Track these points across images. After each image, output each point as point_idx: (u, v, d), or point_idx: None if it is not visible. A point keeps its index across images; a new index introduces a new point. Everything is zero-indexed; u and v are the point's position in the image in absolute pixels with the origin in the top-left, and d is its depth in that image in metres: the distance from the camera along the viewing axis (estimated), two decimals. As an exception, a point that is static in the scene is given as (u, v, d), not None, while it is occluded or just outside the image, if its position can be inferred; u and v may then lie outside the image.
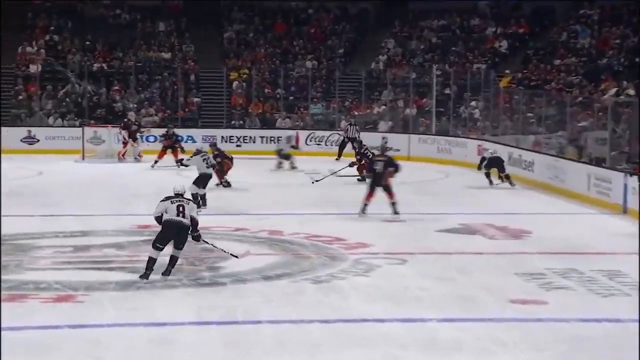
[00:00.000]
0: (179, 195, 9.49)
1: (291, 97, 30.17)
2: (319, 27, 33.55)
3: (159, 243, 9.10)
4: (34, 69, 28.29)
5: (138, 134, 23.48)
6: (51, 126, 26.39)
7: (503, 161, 17.94)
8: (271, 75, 30.81)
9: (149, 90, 29.46)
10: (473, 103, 26.61)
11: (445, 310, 8.25)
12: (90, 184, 19.05)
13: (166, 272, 9.04)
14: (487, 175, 17.98)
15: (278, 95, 29.65)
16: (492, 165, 17.86)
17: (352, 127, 23.01)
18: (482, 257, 10.96)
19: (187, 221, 9.11)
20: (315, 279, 9.97)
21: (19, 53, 29.01)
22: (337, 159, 22.84)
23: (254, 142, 26.23)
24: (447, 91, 27.88)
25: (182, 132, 25.72)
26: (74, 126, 25.92)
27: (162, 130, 24.05)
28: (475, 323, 7.93)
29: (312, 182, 18.43)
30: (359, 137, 21.49)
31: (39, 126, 25.91)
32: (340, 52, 32.22)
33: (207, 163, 14.38)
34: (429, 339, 7.35)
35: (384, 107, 28.61)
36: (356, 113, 26.90)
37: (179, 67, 30.03)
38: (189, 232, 9.19)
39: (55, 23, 30.84)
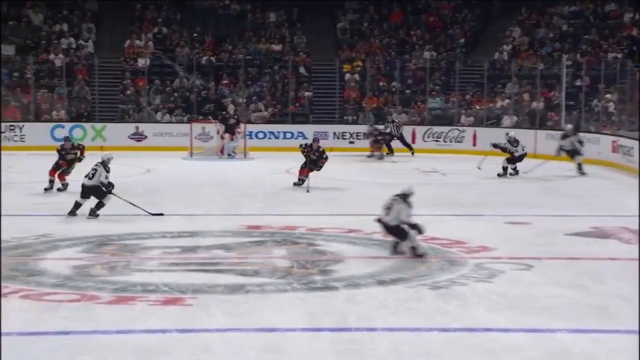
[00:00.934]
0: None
1: (407, 91, 28.39)
2: (437, 15, 31.69)
3: None
4: (142, 62, 27.71)
5: (237, 129, 22.64)
6: (159, 122, 26.02)
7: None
8: (386, 68, 29.26)
9: (258, 84, 28.33)
10: (607, 96, 24.69)
11: (576, 321, 7.70)
12: (198, 182, 18.24)
13: None
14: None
15: (393, 89, 27.96)
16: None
17: (392, 124, 22.18)
18: (617, 263, 10.30)
19: None
20: (433, 284, 9.39)
21: (127, 46, 28.43)
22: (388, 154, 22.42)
23: (367, 138, 24.63)
24: (578, 83, 25.92)
25: (292, 128, 25.59)
26: (182, 122, 25.49)
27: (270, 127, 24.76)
28: (610, 335, 7.44)
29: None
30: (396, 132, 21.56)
31: (147, 122, 25.71)
32: (461, 42, 30.23)
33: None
34: (558, 351, 6.86)
35: (508, 100, 26.70)
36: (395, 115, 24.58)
37: (289, 59, 28.48)
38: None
39: (163, 15, 30.22)
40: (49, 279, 9.37)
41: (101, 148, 20.84)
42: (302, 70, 28.68)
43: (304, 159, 16.01)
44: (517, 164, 18.12)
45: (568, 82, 24.78)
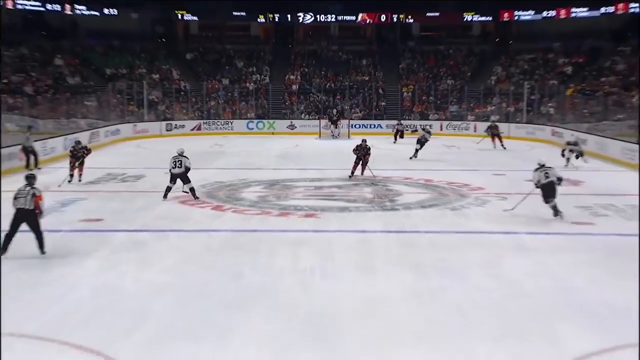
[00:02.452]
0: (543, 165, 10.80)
1: (438, 102, 33.99)
2: (455, 60, 37.39)
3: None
4: (294, 87, 35.24)
5: (338, 123, 28.52)
6: (302, 119, 32.55)
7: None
8: (426, 89, 34.49)
9: (356, 98, 34.35)
10: (549, 104, 29.57)
11: (530, 226, 10.46)
12: (324, 151, 23.29)
13: None
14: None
15: (430, 100, 33.48)
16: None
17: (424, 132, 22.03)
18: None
19: None
20: (452, 207, 12.05)
21: (286, 78, 35.97)
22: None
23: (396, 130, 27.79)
24: (532, 97, 30.26)
25: (374, 122, 32.05)
26: (314, 119, 31.48)
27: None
28: (546, 235, 10.24)
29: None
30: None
31: (296, 119, 32.39)
32: (468, 75, 35.79)
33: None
34: (520, 245, 9.65)
35: (493, 107, 31.50)
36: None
37: (373, 85, 34.59)
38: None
39: (305, 61, 37.63)
40: (246, 202, 12.72)
41: (272, 133, 30.27)
42: (380, 90, 35.06)
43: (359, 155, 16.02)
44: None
45: (527, 97, 30.26)
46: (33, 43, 30.04)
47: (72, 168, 14.66)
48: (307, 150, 23.64)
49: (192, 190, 12.42)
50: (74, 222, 11.30)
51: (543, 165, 11.19)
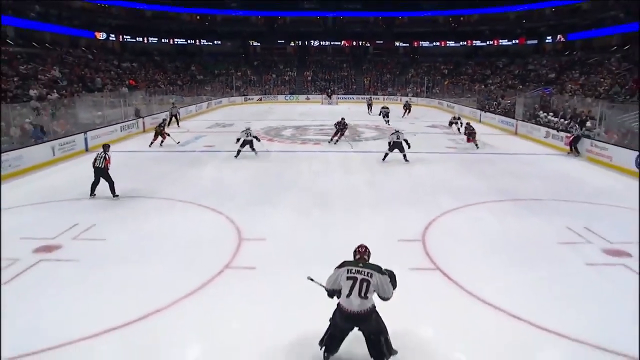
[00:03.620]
0: None
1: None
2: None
3: None
4: (309, 78, 50.06)
5: (331, 96, 41.26)
6: (313, 94, 48.56)
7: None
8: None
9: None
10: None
11: (431, 148, 17.76)
12: (324, 111, 33.82)
13: None
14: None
15: None
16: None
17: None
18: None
19: None
20: (388, 140, 16.45)
21: (304, 74, 50.09)
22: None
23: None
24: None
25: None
26: (319, 94, 46.43)
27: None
28: (434, 154, 16.43)
29: None
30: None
31: (310, 94, 48.18)
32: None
33: None
34: (420, 159, 15.45)
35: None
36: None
37: None
38: None
39: (314, 66, 52.24)
40: (284, 137, 21.18)
41: (297, 102, 44.77)
42: (352, 80, 50.63)
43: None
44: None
45: (425, 84, 45.13)
46: (182, 62, 49.34)
47: (157, 136, 18.23)
48: (316, 111, 35.00)
49: (254, 150, 16.11)
50: (200, 147, 18.64)
51: (397, 131, 15.26)
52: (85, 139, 17.66)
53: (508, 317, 6.10)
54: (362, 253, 5.03)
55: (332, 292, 5.00)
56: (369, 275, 4.80)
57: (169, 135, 18.01)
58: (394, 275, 5.05)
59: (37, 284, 6.87)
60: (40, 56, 30.60)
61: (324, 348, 5.10)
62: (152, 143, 17.87)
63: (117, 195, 10.96)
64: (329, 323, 5.08)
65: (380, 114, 27.28)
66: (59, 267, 7.41)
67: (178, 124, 24.58)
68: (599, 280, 7.20)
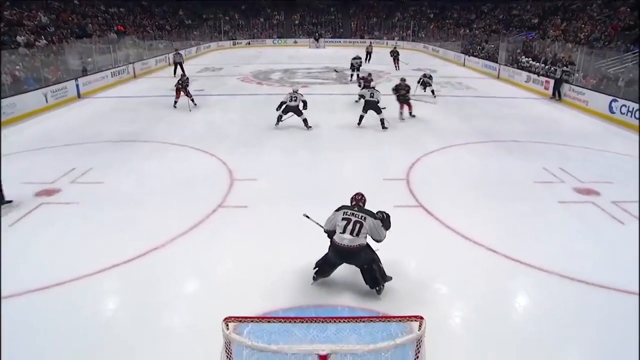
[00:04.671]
0: None
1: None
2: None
3: None
4: (297, 22, 47.88)
5: (319, 40, 39.72)
6: (300, 38, 46.34)
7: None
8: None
9: None
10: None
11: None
12: (311, 55, 34.07)
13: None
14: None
15: None
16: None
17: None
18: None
19: None
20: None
21: (292, 17, 47.04)
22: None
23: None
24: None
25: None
26: (307, 38, 44.49)
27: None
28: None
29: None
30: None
31: (298, 38, 46.50)
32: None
33: None
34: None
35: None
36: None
37: None
38: None
39: (302, 9, 49.84)
40: (273, 80, 21.27)
41: (285, 45, 43.27)
42: (339, 23, 43.30)
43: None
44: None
45: (412, 29, 43.78)
46: (170, 7, 44.69)
47: (178, 95, 15.05)
48: (303, 54, 34.47)
49: (305, 121, 12.40)
50: (191, 91, 16.10)
51: (374, 87, 12.99)
52: (77, 86, 17.31)
53: (485, 250, 6.39)
54: (357, 200, 5.34)
55: (329, 233, 5.28)
56: (363, 218, 5.10)
57: (190, 97, 15.05)
58: (389, 216, 5.31)
59: (39, 226, 6.96)
60: (25, 0, 29.47)
61: (316, 269, 5.47)
62: (176, 102, 15.21)
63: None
64: (321, 260, 5.45)
65: (366, 59, 25.93)
66: (59, 210, 7.50)
67: (184, 72, 21.61)
68: (569, 216, 7.47)
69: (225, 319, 3.27)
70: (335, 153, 10.34)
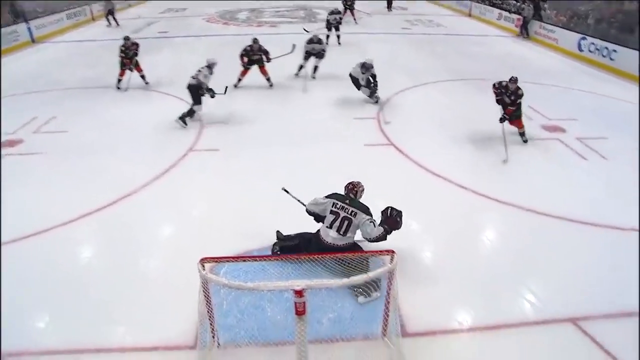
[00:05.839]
0: None
1: None
2: None
3: None
4: None
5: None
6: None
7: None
8: None
9: None
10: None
11: (384, 29, 21.03)
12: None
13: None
14: None
15: None
16: None
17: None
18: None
19: None
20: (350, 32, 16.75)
21: None
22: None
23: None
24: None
25: None
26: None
27: None
28: (388, 35, 19.78)
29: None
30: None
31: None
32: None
33: None
34: (379, 39, 18.03)
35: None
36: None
37: None
38: None
39: None
40: (239, 20, 22.13)
41: None
42: None
43: None
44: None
45: None
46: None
47: (122, 72, 11.00)
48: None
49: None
50: (154, 33, 18.15)
51: (319, 40, 11.51)
52: (29, 29, 16.35)
53: (455, 186, 6.59)
54: (349, 190, 4.81)
55: (311, 213, 4.79)
56: (353, 214, 4.56)
57: (140, 71, 11.17)
58: (399, 214, 4.60)
59: (4, 179, 6.80)
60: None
61: (278, 250, 4.94)
62: (119, 82, 11.16)
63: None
64: (299, 235, 4.92)
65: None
66: (24, 161, 7.35)
67: (117, 22, 19.22)
68: (535, 152, 7.70)
69: (201, 259, 3.35)
70: (304, 93, 10.40)
